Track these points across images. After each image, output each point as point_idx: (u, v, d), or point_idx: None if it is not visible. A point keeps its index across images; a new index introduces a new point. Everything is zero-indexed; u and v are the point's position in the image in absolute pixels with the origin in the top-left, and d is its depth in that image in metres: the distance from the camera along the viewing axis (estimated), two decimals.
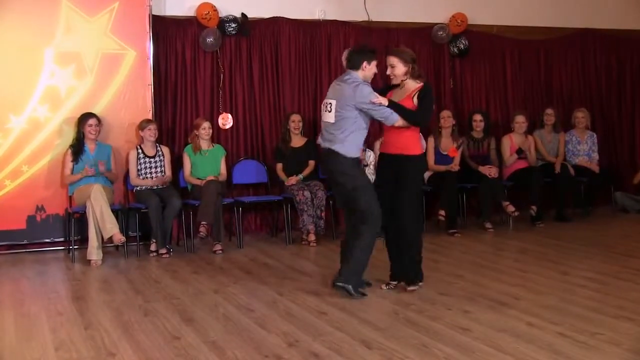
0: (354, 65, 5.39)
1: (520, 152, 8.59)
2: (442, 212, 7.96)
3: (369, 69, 5.39)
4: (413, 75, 5.52)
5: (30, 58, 7.42)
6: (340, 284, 5.29)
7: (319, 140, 5.56)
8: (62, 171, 7.41)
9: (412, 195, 5.48)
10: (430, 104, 5.60)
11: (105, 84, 7.65)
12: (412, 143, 5.49)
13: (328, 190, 7.75)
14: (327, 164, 5.54)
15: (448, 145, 8.36)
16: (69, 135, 7.46)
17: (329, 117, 5.37)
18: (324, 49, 8.70)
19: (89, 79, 7.60)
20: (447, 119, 8.40)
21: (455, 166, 8.21)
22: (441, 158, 8.33)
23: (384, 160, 5.63)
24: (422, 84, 5.50)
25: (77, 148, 7.36)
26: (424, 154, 5.76)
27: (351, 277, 5.31)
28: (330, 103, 5.36)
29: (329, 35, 8.73)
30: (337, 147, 5.33)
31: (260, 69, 8.46)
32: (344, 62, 5.60)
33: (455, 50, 9.26)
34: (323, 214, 7.68)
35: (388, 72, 5.56)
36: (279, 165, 8.03)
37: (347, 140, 5.33)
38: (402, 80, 5.52)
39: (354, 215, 5.41)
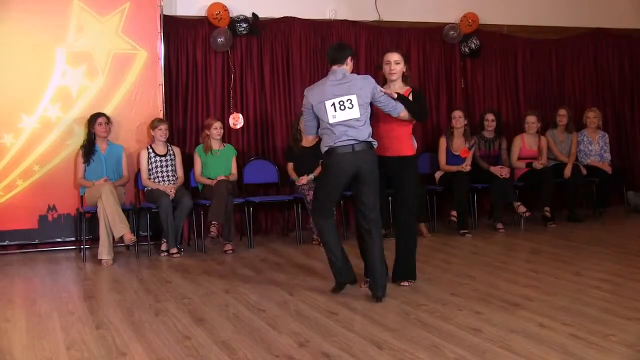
0: (340, 59, 5.33)
1: (530, 166, 8.50)
2: (454, 213, 7.95)
3: (350, 65, 5.42)
4: (404, 77, 5.64)
5: (42, 58, 7.45)
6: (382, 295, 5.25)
7: (342, 140, 5.19)
8: (75, 173, 7.44)
9: (412, 195, 5.60)
10: (427, 105, 5.69)
11: (116, 84, 7.67)
12: (406, 145, 5.59)
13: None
14: (366, 159, 5.21)
15: (460, 145, 8.33)
16: (80, 135, 7.50)
17: (353, 113, 5.17)
18: None
19: (100, 79, 7.63)
20: (458, 119, 8.38)
21: (466, 167, 8.17)
22: (453, 158, 8.32)
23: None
24: (410, 88, 5.62)
25: (88, 149, 7.38)
26: (416, 155, 5.74)
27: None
28: (349, 99, 5.18)
29: (340, 35, 8.72)
30: (370, 140, 5.25)
31: (271, 69, 8.46)
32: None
33: (467, 50, 9.25)
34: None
35: (392, 68, 5.57)
36: (290, 165, 8.03)
37: (370, 133, 5.31)
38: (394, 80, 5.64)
39: (368, 216, 5.30)
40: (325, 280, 5.76)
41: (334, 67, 5.34)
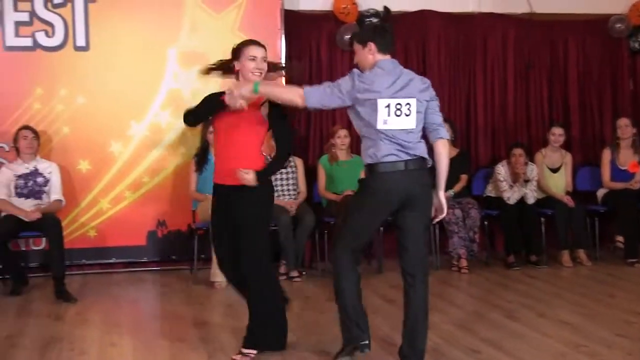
0: (393, 48, 4.69)
1: None
2: (620, 238, 7.81)
3: None
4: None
5: (152, 59, 7.73)
6: None
7: (390, 155, 4.48)
8: (189, 184, 7.58)
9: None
10: None
11: None
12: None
13: (484, 209, 7.72)
14: (420, 181, 4.52)
15: (627, 158, 8.13)
16: (194, 143, 7.69)
17: (408, 122, 4.48)
18: (478, 46, 8.64)
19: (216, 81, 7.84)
20: (625, 128, 8.18)
21: (636, 183, 7.99)
22: (619, 174, 8.13)
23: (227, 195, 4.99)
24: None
25: (201, 157, 7.56)
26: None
27: None
28: (408, 104, 4.47)
29: (485, 30, 8.66)
30: (426, 157, 4.58)
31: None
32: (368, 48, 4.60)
33: (637, 45, 9.00)
34: (477, 236, 7.61)
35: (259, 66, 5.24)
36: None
37: (425, 148, 4.64)
38: None
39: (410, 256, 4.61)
40: (466, 312, 5.69)
41: (388, 57, 4.62)
